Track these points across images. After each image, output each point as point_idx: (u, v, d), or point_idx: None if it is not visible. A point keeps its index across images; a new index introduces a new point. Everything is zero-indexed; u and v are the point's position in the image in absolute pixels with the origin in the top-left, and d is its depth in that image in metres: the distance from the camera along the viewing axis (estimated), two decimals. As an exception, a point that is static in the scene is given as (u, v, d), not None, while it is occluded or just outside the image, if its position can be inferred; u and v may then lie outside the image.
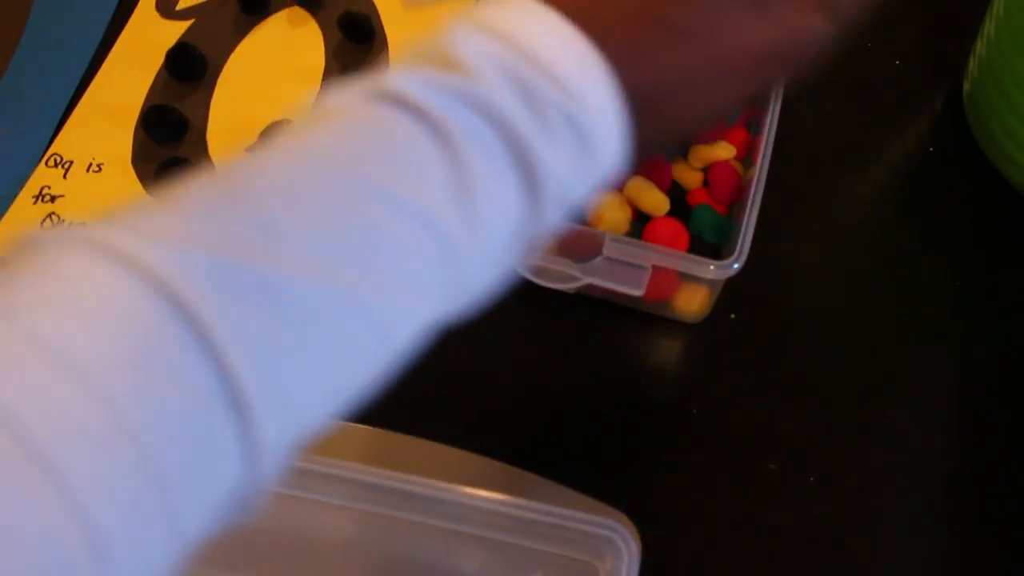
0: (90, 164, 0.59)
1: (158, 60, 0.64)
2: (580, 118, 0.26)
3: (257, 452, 0.22)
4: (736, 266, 0.45)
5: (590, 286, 0.47)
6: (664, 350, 0.53)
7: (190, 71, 0.63)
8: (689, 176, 0.54)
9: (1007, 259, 0.56)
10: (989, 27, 0.58)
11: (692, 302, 0.51)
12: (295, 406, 0.23)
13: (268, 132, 0.58)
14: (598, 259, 0.47)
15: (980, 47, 0.60)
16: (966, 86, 0.62)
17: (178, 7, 0.67)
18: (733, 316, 0.53)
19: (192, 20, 0.66)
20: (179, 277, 0.21)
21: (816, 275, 0.55)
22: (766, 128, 0.51)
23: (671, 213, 0.51)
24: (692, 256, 0.46)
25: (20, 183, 0.59)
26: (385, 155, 0.25)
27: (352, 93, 0.26)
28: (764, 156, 0.49)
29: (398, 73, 0.25)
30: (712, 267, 0.45)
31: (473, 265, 0.26)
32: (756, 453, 0.50)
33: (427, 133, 0.25)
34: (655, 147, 0.29)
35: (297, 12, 0.66)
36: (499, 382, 0.52)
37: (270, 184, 0.24)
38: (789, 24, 0.30)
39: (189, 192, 0.24)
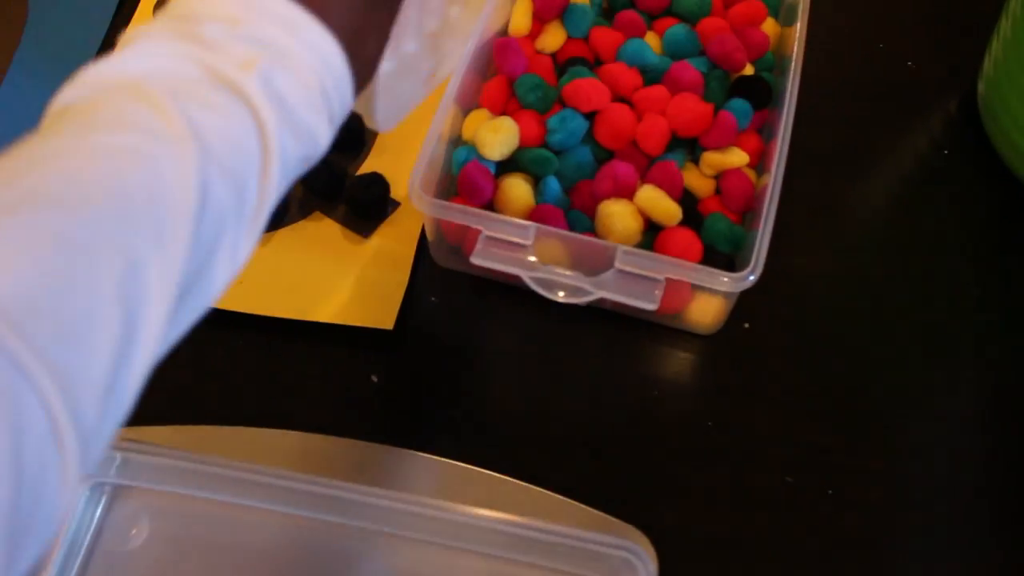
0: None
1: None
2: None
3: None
4: (752, 278, 0.44)
5: (602, 298, 0.46)
6: (678, 362, 0.52)
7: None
8: (701, 184, 0.53)
9: (1025, 261, 0.55)
10: (1005, 26, 0.57)
11: (706, 314, 0.50)
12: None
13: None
14: (610, 272, 0.46)
15: (996, 46, 0.58)
16: (980, 86, 0.61)
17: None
18: (747, 326, 0.52)
19: None
20: None
21: (831, 283, 0.54)
22: (779, 134, 0.50)
23: (684, 222, 0.50)
24: (706, 268, 0.45)
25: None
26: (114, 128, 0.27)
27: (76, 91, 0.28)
28: (778, 165, 0.48)
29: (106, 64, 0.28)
30: (726, 279, 0.44)
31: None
32: (773, 466, 0.48)
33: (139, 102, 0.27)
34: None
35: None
36: (511, 398, 0.51)
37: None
38: None
39: None
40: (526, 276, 0.46)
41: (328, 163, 0.55)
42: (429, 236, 0.52)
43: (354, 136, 0.57)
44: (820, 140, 0.59)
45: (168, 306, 0.25)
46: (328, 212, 0.55)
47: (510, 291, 0.49)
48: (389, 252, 0.54)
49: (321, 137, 0.31)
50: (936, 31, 0.65)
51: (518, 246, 0.46)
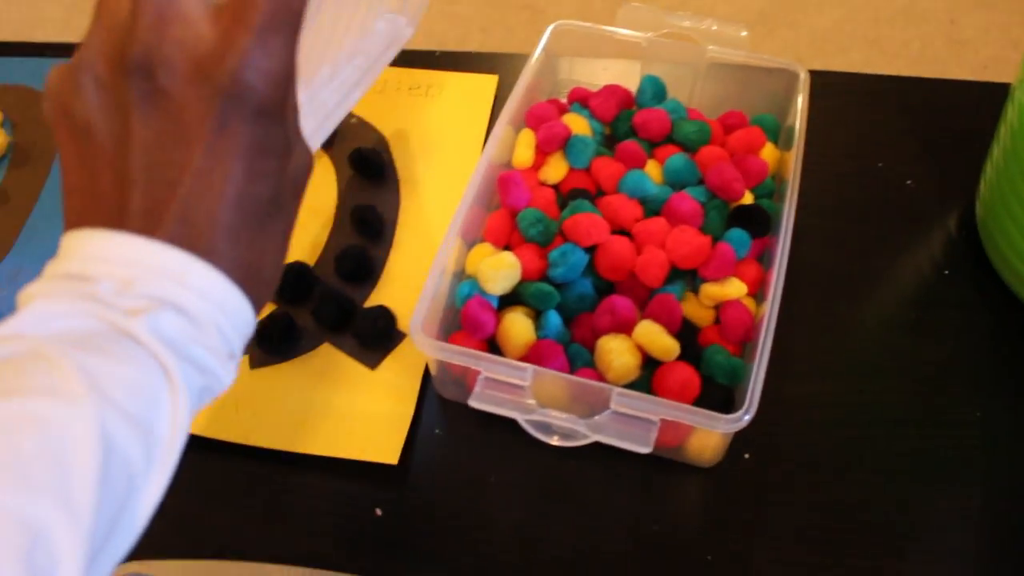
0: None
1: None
2: (134, 290, 0.30)
3: None
4: (747, 418, 0.45)
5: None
6: (678, 495, 0.52)
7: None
8: (701, 314, 0.54)
9: (1029, 387, 0.55)
10: (997, 153, 0.58)
11: (705, 449, 0.51)
12: None
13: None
14: (606, 413, 0.46)
15: (989, 171, 0.59)
16: (978, 208, 0.61)
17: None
18: (747, 456, 0.53)
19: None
20: None
21: (832, 410, 0.55)
22: (776, 265, 0.51)
23: (684, 353, 0.51)
24: (702, 411, 0.45)
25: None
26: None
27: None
28: (774, 298, 0.49)
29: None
30: (722, 421, 0.45)
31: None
32: (777, 602, 0.48)
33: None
34: (228, 258, 0.32)
35: (311, 147, 0.68)
36: (512, 532, 0.51)
37: None
38: (203, 89, 0.31)
39: None
40: (522, 420, 0.47)
41: (337, 295, 0.57)
42: (432, 370, 0.54)
43: (363, 267, 0.59)
44: (820, 262, 0.60)
45: (82, 563, 0.26)
46: (337, 343, 0.57)
47: (513, 423, 0.50)
48: (395, 384, 0.55)
49: (222, 373, 0.32)
50: (934, 149, 0.66)
51: (516, 387, 0.47)
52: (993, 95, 0.67)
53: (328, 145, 0.67)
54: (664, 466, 0.52)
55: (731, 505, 0.51)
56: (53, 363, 0.28)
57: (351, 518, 0.51)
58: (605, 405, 0.46)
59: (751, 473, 0.52)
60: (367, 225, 0.61)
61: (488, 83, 0.70)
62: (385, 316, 0.56)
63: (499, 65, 0.73)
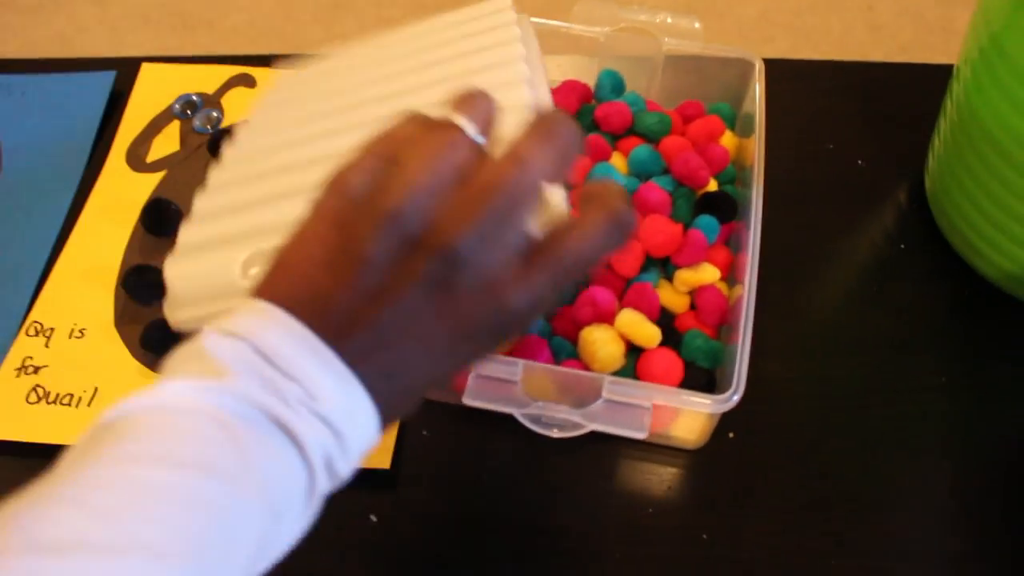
0: (72, 330, 0.59)
1: (133, 216, 0.64)
2: (319, 408, 0.31)
3: None
4: (736, 398, 0.46)
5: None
6: (669, 478, 0.53)
7: (166, 225, 0.63)
8: (676, 300, 0.55)
9: (988, 351, 0.58)
10: (944, 126, 0.60)
11: (692, 431, 0.52)
12: None
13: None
14: (599, 402, 0.47)
15: (937, 144, 0.62)
16: (928, 181, 0.64)
17: (148, 159, 0.68)
18: (732, 435, 0.54)
19: (164, 172, 0.67)
20: None
21: (805, 386, 0.56)
22: (749, 247, 0.52)
23: (663, 339, 0.52)
24: (692, 393, 0.46)
25: (0, 355, 0.58)
26: (189, 450, 0.29)
27: (137, 404, 0.30)
28: (750, 280, 0.50)
29: (174, 385, 0.31)
30: (712, 402, 0.46)
31: (260, 520, 0.30)
32: (771, 574, 0.50)
33: (209, 423, 0.30)
34: (397, 413, 0.34)
35: (269, 156, 0.67)
36: (502, 529, 0.51)
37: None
38: (482, 305, 0.33)
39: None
40: (518, 414, 0.48)
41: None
42: None
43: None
44: (781, 244, 0.61)
45: None
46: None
47: (500, 419, 0.50)
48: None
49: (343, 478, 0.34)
50: (880, 129, 0.69)
51: (507, 383, 0.48)
52: (931, 75, 0.70)
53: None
54: (653, 451, 0.53)
55: (721, 483, 0.53)
56: (227, 438, 0.30)
57: (345, 526, 0.51)
58: (597, 394, 0.47)
59: (737, 451, 0.53)
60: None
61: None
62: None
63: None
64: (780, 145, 0.64)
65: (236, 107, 0.70)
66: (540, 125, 0.34)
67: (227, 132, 0.67)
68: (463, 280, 0.32)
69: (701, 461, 0.53)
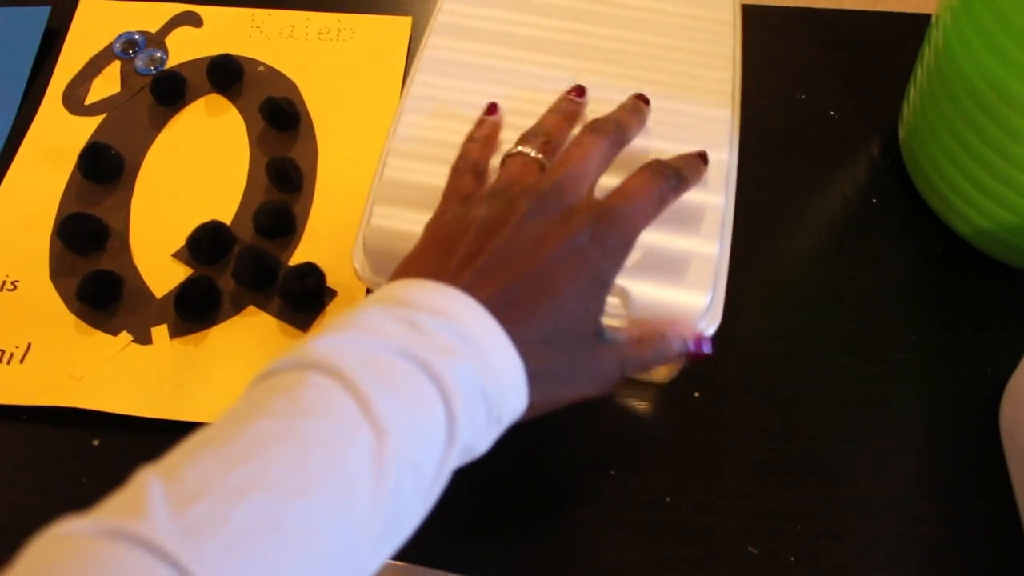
0: (4, 282, 0.55)
1: (70, 162, 0.60)
2: (482, 379, 0.33)
3: None
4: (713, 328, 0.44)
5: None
6: (633, 439, 0.51)
7: (106, 172, 0.59)
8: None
9: (960, 309, 0.56)
10: (920, 75, 0.58)
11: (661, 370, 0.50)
12: None
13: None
14: None
15: (913, 94, 0.60)
16: (902, 133, 0.62)
17: (87, 101, 0.64)
18: (697, 395, 0.52)
19: (103, 115, 0.63)
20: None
21: (775, 343, 0.54)
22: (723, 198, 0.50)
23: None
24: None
25: (-73, 307, 0.54)
26: (317, 414, 0.30)
27: (286, 363, 0.32)
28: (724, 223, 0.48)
29: (320, 342, 0.32)
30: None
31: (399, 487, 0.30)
32: (735, 538, 0.48)
33: (340, 388, 0.31)
34: (543, 410, 0.37)
35: (216, 100, 0.63)
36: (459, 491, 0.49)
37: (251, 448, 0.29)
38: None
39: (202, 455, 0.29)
40: None
41: (259, 254, 0.54)
42: None
43: (284, 222, 0.56)
44: (750, 197, 0.59)
45: None
46: (263, 306, 0.53)
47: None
48: (330, 344, 0.52)
49: (485, 437, 0.35)
50: (853, 80, 0.67)
51: None
52: (906, 25, 0.68)
53: (236, 96, 0.63)
54: (619, 411, 0.51)
55: (686, 444, 0.51)
56: (356, 392, 0.30)
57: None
58: None
59: (702, 411, 0.52)
60: (285, 178, 0.57)
61: (402, 25, 0.67)
62: (313, 273, 0.53)
63: (411, 4, 0.69)
64: (750, 94, 0.61)
65: (181, 47, 0.66)
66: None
67: (172, 74, 0.63)
68: (570, 198, 0.39)
69: (666, 421, 0.52)
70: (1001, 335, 0.55)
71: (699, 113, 0.49)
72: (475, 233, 0.38)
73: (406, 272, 0.37)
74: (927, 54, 0.57)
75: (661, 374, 0.51)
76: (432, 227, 0.40)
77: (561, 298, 0.36)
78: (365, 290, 0.54)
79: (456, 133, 0.46)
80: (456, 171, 0.43)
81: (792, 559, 0.48)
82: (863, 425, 0.52)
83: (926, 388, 0.53)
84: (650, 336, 0.41)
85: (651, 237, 0.43)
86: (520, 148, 0.42)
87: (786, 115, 0.65)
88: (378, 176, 0.46)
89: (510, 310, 0.35)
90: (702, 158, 0.45)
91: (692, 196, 0.44)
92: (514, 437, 0.50)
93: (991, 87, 0.50)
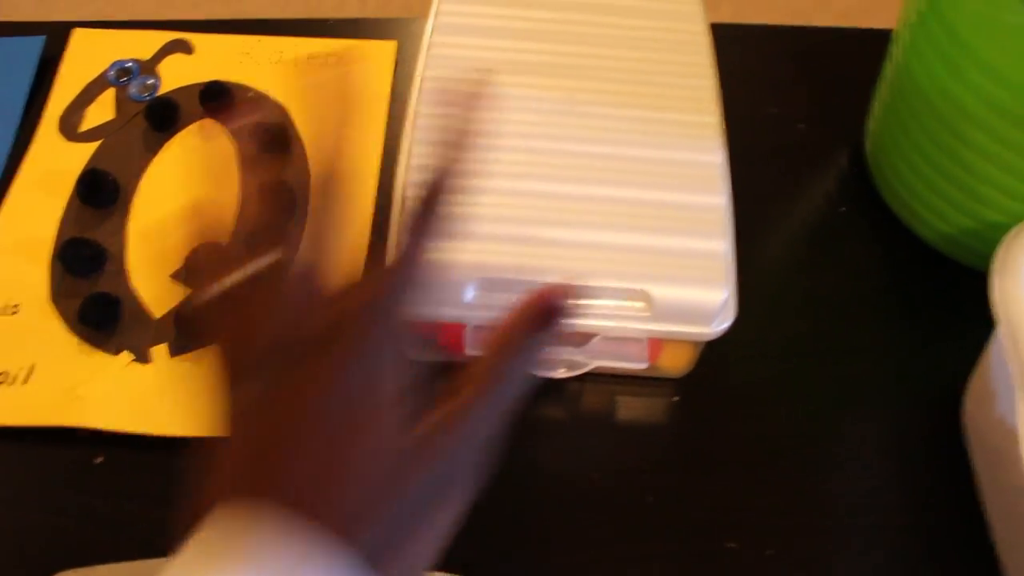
0: (5, 306, 0.57)
1: (67, 187, 0.62)
2: None
3: None
4: (726, 325, 0.49)
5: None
6: (609, 444, 0.54)
7: (103, 197, 0.61)
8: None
9: (927, 310, 0.59)
10: (883, 89, 0.61)
11: (679, 358, 0.53)
12: None
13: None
14: (596, 339, 0.49)
15: (877, 107, 0.63)
16: (868, 144, 0.65)
17: (81, 128, 0.66)
18: (676, 399, 0.55)
19: (99, 141, 0.65)
20: None
21: (749, 348, 0.57)
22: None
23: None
24: (684, 325, 0.48)
25: (-69, 332, 0.56)
26: None
27: None
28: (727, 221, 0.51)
29: None
30: (706, 332, 0.48)
31: None
32: (715, 535, 0.51)
33: None
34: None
35: (208, 124, 0.65)
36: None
37: None
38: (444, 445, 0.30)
39: None
40: None
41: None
42: None
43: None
44: (727, 208, 0.62)
45: None
46: (258, 323, 0.56)
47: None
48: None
49: None
50: (821, 94, 0.69)
51: None
52: (871, 41, 0.70)
53: (226, 120, 0.65)
54: (603, 420, 0.54)
55: (665, 447, 0.53)
56: None
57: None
58: (593, 333, 0.49)
59: (681, 414, 0.54)
60: (280, 200, 0.60)
61: (387, 49, 0.69)
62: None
63: (396, 30, 0.72)
64: (723, 110, 0.64)
65: (174, 74, 0.68)
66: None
67: (165, 100, 0.65)
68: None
69: (646, 426, 0.54)
70: (964, 334, 0.57)
71: (687, 120, 0.51)
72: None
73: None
74: (889, 70, 0.60)
75: (676, 366, 0.54)
76: None
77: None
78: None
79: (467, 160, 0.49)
80: None
81: (770, 553, 0.50)
82: (835, 424, 0.55)
83: (894, 387, 0.56)
84: (497, 358, 0.32)
85: (664, 241, 0.47)
86: None
87: (757, 128, 0.67)
88: (400, 209, 0.49)
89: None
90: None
91: (696, 199, 0.48)
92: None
93: (947, 101, 0.52)
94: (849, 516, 0.52)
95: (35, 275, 0.58)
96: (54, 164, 0.64)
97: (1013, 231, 0.47)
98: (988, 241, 0.47)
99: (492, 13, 0.56)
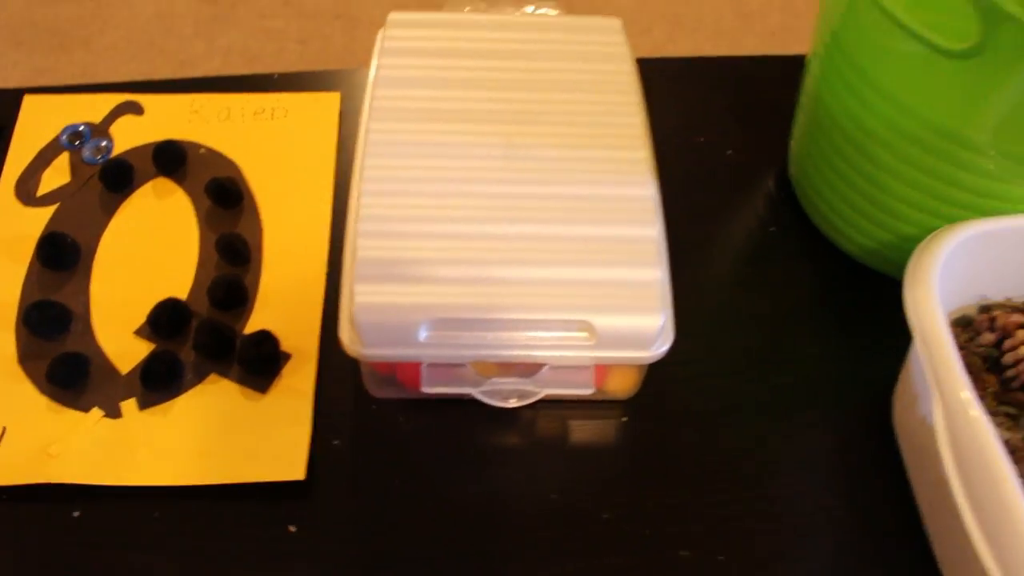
0: (-26, 371, 0.59)
1: (27, 251, 0.64)
2: None
3: None
4: (665, 348, 0.52)
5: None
6: (564, 465, 0.57)
7: (64, 260, 0.63)
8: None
9: (855, 320, 0.63)
10: (802, 119, 0.65)
11: (626, 380, 0.57)
12: None
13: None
14: (544, 369, 0.52)
15: (797, 134, 0.67)
16: (791, 167, 0.69)
17: (38, 193, 0.68)
18: (625, 419, 0.58)
19: (56, 205, 0.67)
20: None
21: (691, 366, 0.60)
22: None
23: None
24: (627, 350, 0.51)
25: (-99, 402, 0.58)
26: None
27: None
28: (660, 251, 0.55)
29: None
30: (646, 356, 0.52)
31: None
32: (667, 544, 0.54)
33: None
34: None
35: (162, 183, 0.68)
36: (427, 511, 0.54)
37: None
38: None
39: None
40: (476, 393, 0.53)
41: (216, 325, 0.58)
42: (363, 373, 0.56)
43: (236, 294, 0.60)
44: (665, 233, 0.66)
45: None
46: (223, 373, 0.58)
47: (428, 410, 0.53)
48: (288, 403, 0.57)
49: None
50: (747, 120, 0.74)
51: (458, 367, 0.53)
52: (793, 67, 0.75)
53: (181, 178, 0.68)
54: (557, 443, 0.57)
55: (616, 465, 0.56)
56: None
57: (266, 540, 0.53)
58: (540, 364, 0.52)
59: (630, 434, 0.57)
60: (234, 252, 0.62)
61: (331, 100, 0.72)
62: (268, 339, 0.58)
63: (339, 82, 0.75)
64: (653, 140, 0.68)
65: (126, 135, 0.70)
66: None
67: (119, 161, 0.67)
68: None
69: (599, 446, 0.57)
70: (890, 340, 0.61)
71: (619, 157, 0.55)
72: None
73: None
74: (803, 98, 0.64)
75: (623, 389, 0.57)
76: None
77: None
78: (317, 352, 0.59)
79: (415, 207, 0.52)
80: None
81: (721, 558, 0.53)
82: (775, 432, 0.58)
83: (830, 394, 0.60)
84: None
85: (603, 273, 0.50)
86: None
87: (687, 157, 0.71)
88: (352, 258, 0.51)
89: None
90: None
91: (630, 231, 0.52)
92: (462, 473, 0.55)
93: (855, 125, 0.57)
94: (793, 517, 0.55)
95: (1, 339, 0.60)
96: (13, 230, 0.65)
97: (921, 244, 0.51)
98: (905, 252, 0.51)
99: (430, 64, 0.59)
